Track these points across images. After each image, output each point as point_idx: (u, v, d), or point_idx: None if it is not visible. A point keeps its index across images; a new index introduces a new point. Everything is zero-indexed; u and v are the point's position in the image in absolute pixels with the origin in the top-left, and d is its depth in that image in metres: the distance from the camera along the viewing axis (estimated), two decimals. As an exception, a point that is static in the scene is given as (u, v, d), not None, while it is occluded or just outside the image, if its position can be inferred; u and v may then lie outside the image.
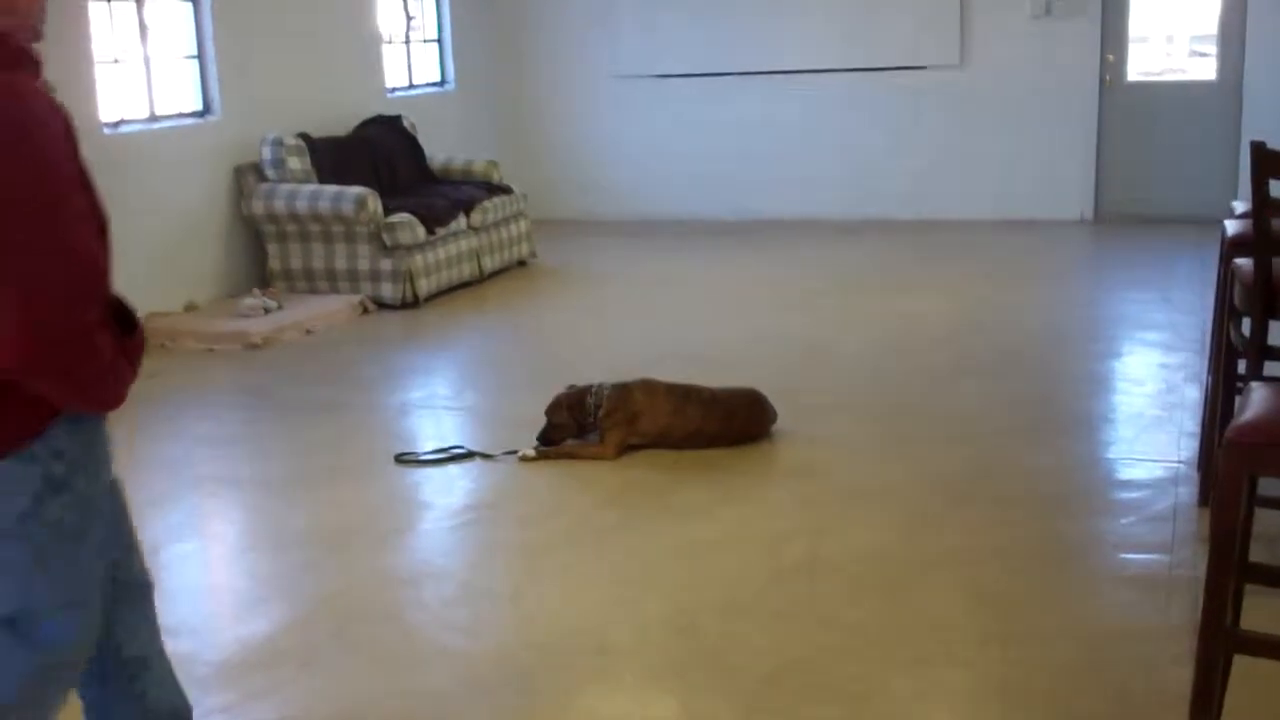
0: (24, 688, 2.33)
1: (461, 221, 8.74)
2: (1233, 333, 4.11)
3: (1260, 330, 3.86)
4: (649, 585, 4.09)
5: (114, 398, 2.45)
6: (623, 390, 5.32)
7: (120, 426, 6.08)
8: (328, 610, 4.00)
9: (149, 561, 4.39)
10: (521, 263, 9.53)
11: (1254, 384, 2.95)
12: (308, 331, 7.63)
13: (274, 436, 5.83)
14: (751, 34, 11.02)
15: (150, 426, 5.96)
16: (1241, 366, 4.09)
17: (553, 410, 5.35)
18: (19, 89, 2.27)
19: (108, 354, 2.33)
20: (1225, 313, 4.25)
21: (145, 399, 6.40)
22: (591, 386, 5.38)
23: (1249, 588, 3.13)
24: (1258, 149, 3.66)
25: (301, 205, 8.16)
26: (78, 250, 2.29)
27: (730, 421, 5.33)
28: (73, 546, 2.33)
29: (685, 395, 5.31)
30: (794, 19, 10.90)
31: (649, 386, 5.34)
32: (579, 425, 5.34)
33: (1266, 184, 3.67)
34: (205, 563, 4.56)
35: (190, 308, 7.94)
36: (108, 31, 7.56)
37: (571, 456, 5.27)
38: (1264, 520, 4.00)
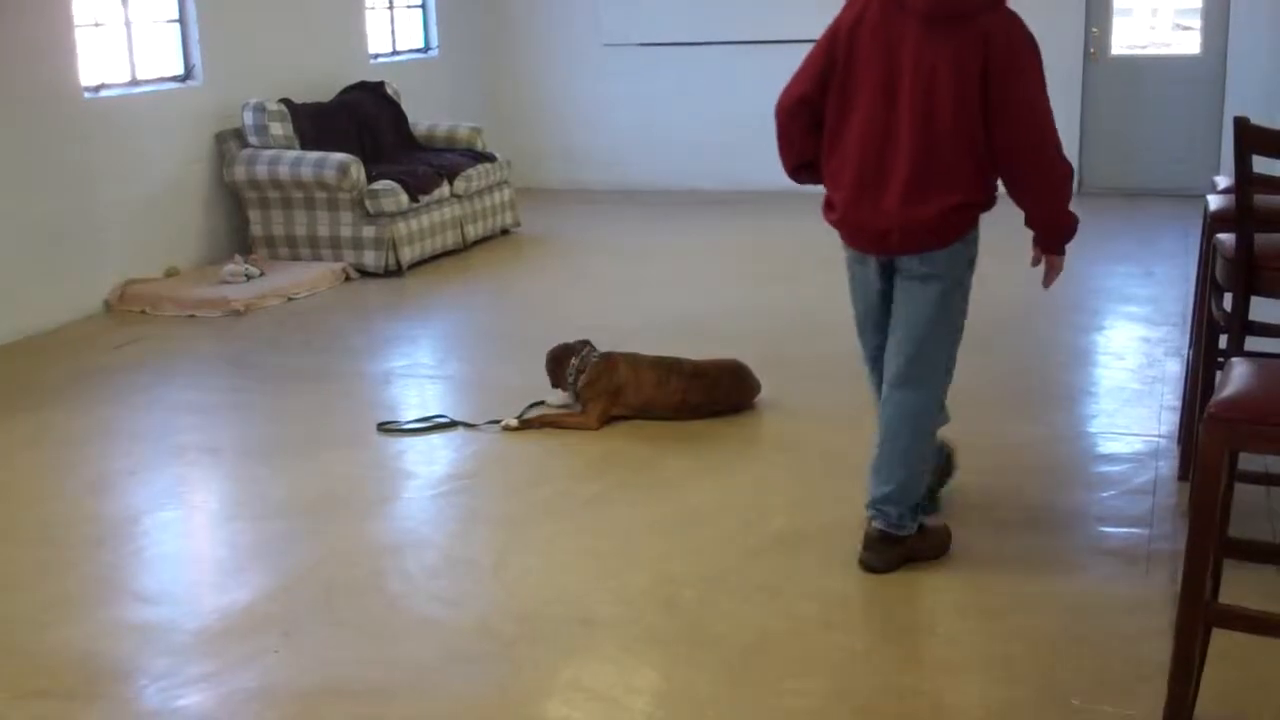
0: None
1: (445, 189, 8.71)
2: (1214, 307, 4.12)
3: (1242, 305, 3.87)
4: (631, 556, 4.10)
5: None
6: (607, 361, 5.32)
7: (100, 392, 6.10)
8: (309, 579, 4.00)
9: (128, 530, 4.40)
10: (505, 231, 9.51)
11: (1235, 359, 2.96)
12: (290, 299, 7.60)
13: (256, 404, 5.82)
14: (739, 2, 10.97)
15: (131, 394, 5.94)
16: (1223, 341, 4.10)
17: (547, 360, 5.44)
18: None
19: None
20: (1207, 287, 4.26)
21: (125, 366, 6.38)
22: (579, 349, 5.38)
23: (1228, 562, 3.15)
24: (1241, 124, 3.66)
25: (284, 171, 8.11)
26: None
27: (714, 393, 5.33)
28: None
29: (669, 368, 5.31)
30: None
31: (633, 359, 5.34)
32: (555, 381, 5.37)
33: (1249, 158, 3.67)
34: (187, 531, 4.55)
35: (171, 273, 7.90)
36: (88, -5, 7.51)
37: (555, 426, 5.27)
38: (1243, 495, 4.02)
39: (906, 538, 3.92)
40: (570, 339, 5.57)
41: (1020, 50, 3.62)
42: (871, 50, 3.70)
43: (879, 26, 3.69)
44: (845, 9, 3.82)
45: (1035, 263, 4.05)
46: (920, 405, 3.87)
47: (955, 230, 3.71)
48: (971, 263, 3.84)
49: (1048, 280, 4.08)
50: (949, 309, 3.81)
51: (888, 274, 3.83)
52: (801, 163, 3.93)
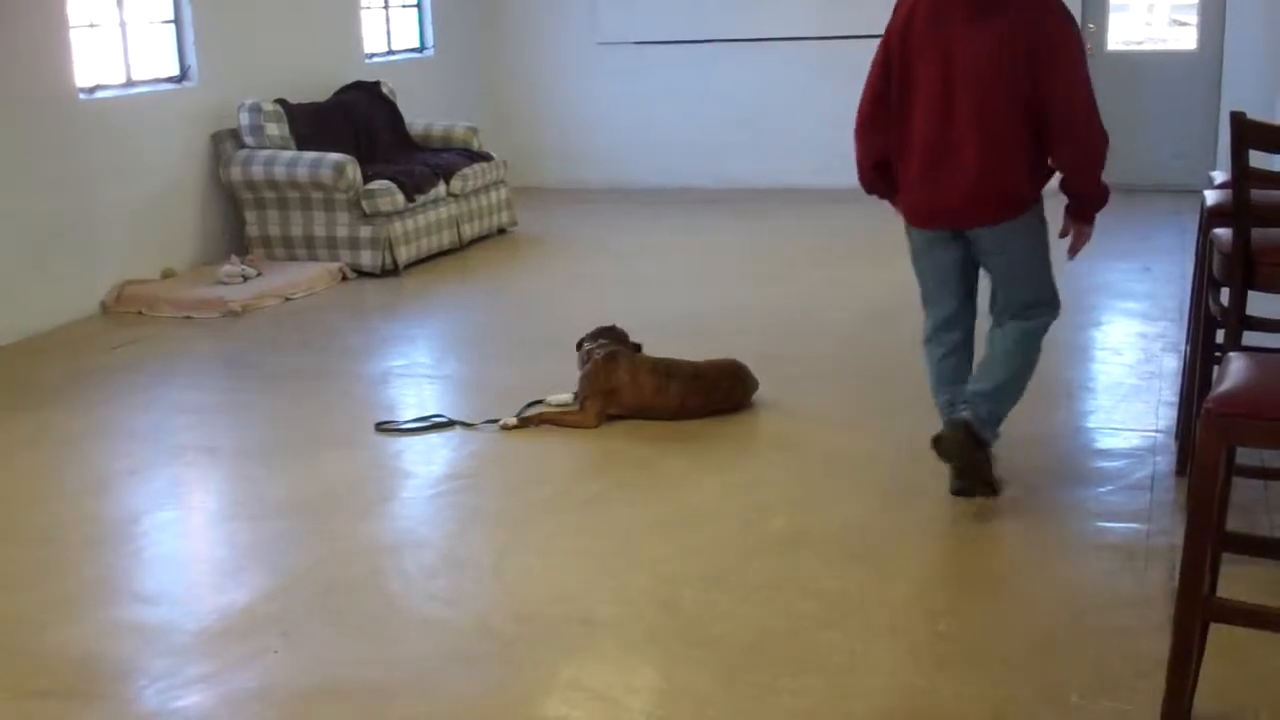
0: None
1: (441, 189, 8.71)
2: (1212, 303, 4.12)
3: (1239, 300, 3.87)
4: (630, 556, 4.10)
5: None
6: (609, 361, 5.32)
7: (97, 393, 6.09)
8: (308, 579, 3.99)
9: (127, 530, 4.40)
10: (502, 230, 9.51)
11: (1232, 354, 2.96)
12: (287, 299, 7.60)
13: (253, 405, 5.82)
14: (734, 1, 10.97)
15: (129, 395, 5.94)
16: (1220, 336, 4.10)
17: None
18: None
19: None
20: (1204, 282, 4.26)
21: (123, 367, 6.37)
22: (600, 337, 5.44)
23: (1226, 556, 3.15)
24: (1238, 119, 3.66)
25: (279, 172, 8.11)
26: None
27: (712, 395, 5.34)
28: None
29: (668, 373, 5.31)
30: (775, -14, 10.87)
31: (634, 363, 5.33)
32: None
33: (1246, 153, 3.68)
34: (185, 532, 4.55)
35: (168, 275, 7.89)
36: (84, -4, 7.50)
37: (553, 424, 5.28)
38: (1241, 489, 4.02)
39: (985, 446, 4.24)
40: (565, 340, 5.57)
41: (1061, 30, 3.98)
42: (923, 47, 4.07)
43: (928, 24, 4.06)
44: (894, 14, 4.22)
45: (1064, 234, 4.30)
46: (1030, 332, 4.28)
47: (1024, 202, 4.13)
48: (1042, 219, 4.23)
49: (1075, 249, 4.32)
50: (1038, 247, 4.22)
51: (962, 243, 4.23)
52: (880, 160, 4.28)
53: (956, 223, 4.18)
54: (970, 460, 4.22)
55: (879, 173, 4.32)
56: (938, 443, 4.24)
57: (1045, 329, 4.34)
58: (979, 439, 4.22)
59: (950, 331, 4.39)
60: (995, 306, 4.36)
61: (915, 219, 4.29)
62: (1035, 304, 4.29)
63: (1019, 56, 3.94)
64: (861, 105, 4.30)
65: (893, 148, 4.24)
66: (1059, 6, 4.02)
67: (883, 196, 4.42)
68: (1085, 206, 4.24)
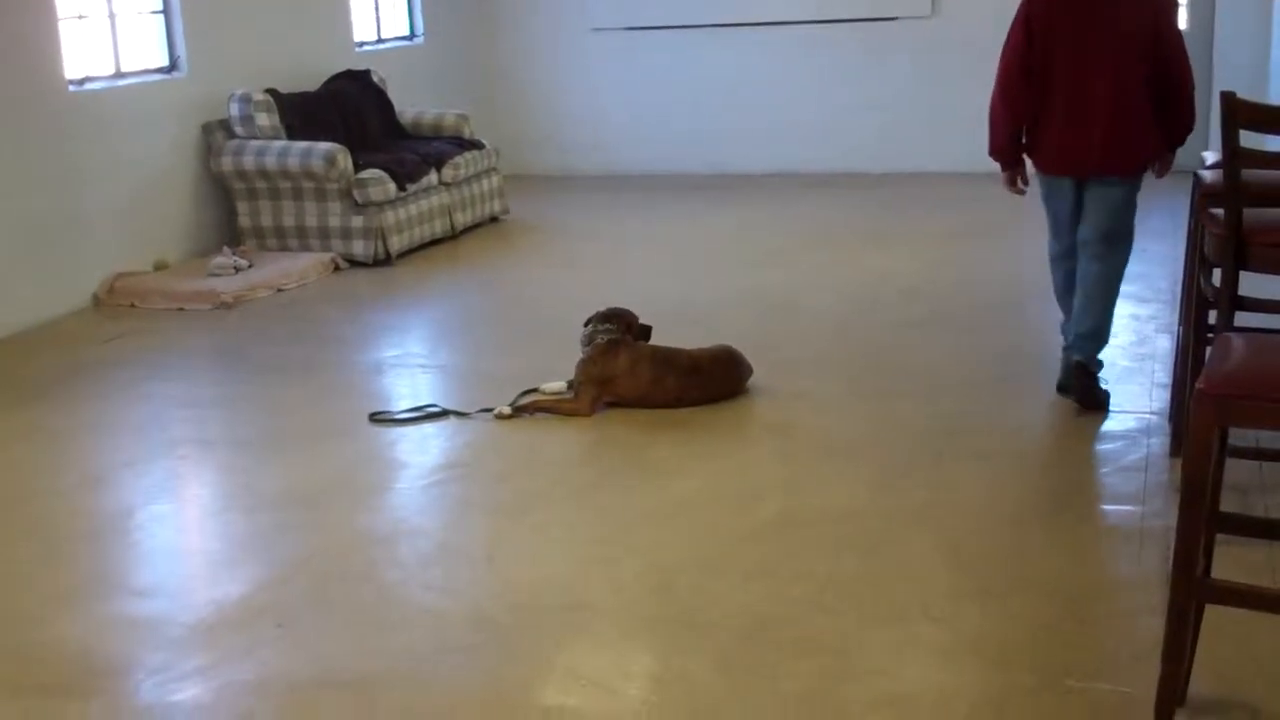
0: None
1: (433, 177, 8.69)
2: (1204, 283, 4.12)
3: (1231, 280, 3.87)
4: (625, 543, 4.10)
5: None
6: (610, 349, 5.30)
7: (90, 388, 6.08)
8: (303, 570, 4.00)
9: (122, 524, 4.39)
10: (494, 219, 9.49)
11: (1224, 335, 2.96)
12: (279, 290, 7.58)
13: (247, 396, 5.81)
14: (724, -16, 10.96)
15: (121, 388, 5.93)
16: (1213, 317, 4.10)
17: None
18: None
19: None
20: (1196, 263, 4.27)
21: (115, 360, 6.36)
22: (605, 321, 5.41)
23: (1220, 538, 3.15)
24: (1228, 98, 3.66)
25: (270, 162, 8.09)
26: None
27: (709, 387, 5.33)
28: None
29: (666, 364, 5.30)
30: (766, -31, 10.84)
31: (635, 352, 5.31)
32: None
33: (1237, 134, 3.67)
34: (179, 525, 4.55)
35: (160, 266, 7.87)
36: (71, -13, 7.47)
37: (548, 412, 5.27)
38: (1235, 470, 4.03)
39: (1096, 374, 5.13)
40: (558, 328, 5.57)
41: (1170, 4, 5.03)
42: (1064, 22, 4.88)
43: (1070, 4, 4.89)
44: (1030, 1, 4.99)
45: (1160, 173, 5.11)
46: (1115, 270, 5.06)
47: (1145, 159, 4.99)
48: (1142, 174, 5.07)
49: (1164, 171, 5.12)
50: (1132, 202, 5.06)
51: (1079, 189, 5.03)
52: (1018, 128, 5.05)
53: (1085, 171, 4.98)
54: (1091, 395, 5.05)
55: (1013, 143, 5.07)
56: (1065, 390, 5.18)
57: (1121, 273, 5.10)
58: (1091, 372, 5.09)
59: (1069, 259, 5.19)
60: (1086, 239, 5.05)
61: (1053, 168, 5.05)
62: (1115, 244, 5.04)
63: (1146, 25, 4.81)
64: (1005, 79, 4.99)
65: (1031, 112, 5.00)
66: None
67: (1007, 161, 5.12)
68: (1179, 141, 5.01)
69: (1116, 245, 5.05)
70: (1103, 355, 5.19)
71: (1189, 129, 5.00)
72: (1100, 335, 5.10)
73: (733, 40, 11.06)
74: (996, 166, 5.16)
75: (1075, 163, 4.97)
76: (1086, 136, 4.89)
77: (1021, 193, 5.22)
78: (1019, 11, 5.01)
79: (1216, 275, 3.96)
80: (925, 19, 10.59)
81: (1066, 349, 5.19)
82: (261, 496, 4.62)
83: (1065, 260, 5.22)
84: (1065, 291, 5.24)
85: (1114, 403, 5.18)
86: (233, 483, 4.89)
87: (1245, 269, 3.87)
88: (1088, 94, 4.86)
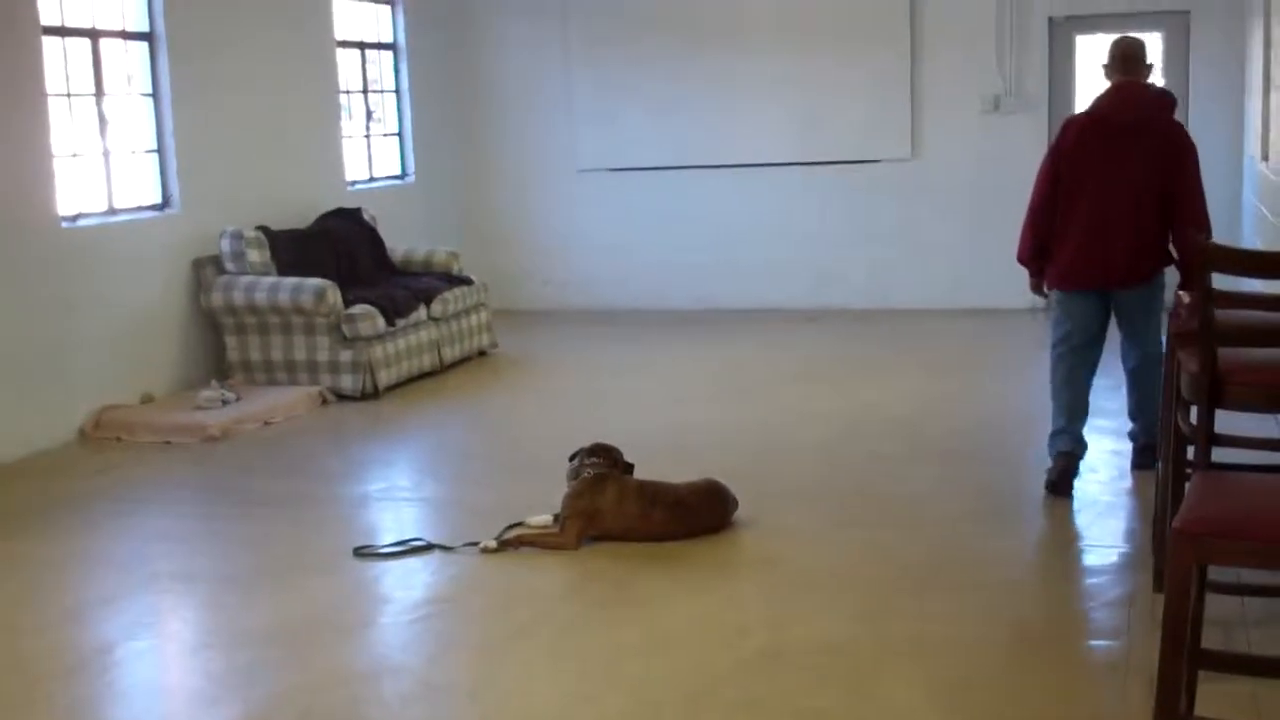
0: None
1: (422, 312, 8.77)
2: (1181, 421, 4.17)
3: (1207, 419, 3.91)
4: (611, 679, 4.08)
5: None
6: (597, 482, 5.32)
7: (74, 520, 6.06)
8: (285, 708, 3.96)
9: (101, 660, 4.36)
10: (482, 353, 9.56)
11: (1200, 473, 3.00)
12: (266, 423, 7.60)
13: (231, 531, 5.79)
14: (709, 128, 11.18)
15: (105, 522, 5.91)
16: (1191, 454, 4.14)
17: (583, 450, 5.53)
18: None
19: None
20: (1174, 401, 4.32)
21: (99, 494, 6.35)
22: (592, 456, 5.43)
23: (1204, 674, 3.15)
24: (1200, 245, 3.74)
25: (261, 297, 8.17)
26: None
27: (694, 521, 5.34)
28: None
29: (653, 499, 5.31)
30: (750, 114, 11.07)
31: (622, 486, 5.33)
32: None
33: (1210, 276, 3.74)
34: (160, 661, 4.51)
35: (147, 400, 7.90)
36: (67, 125, 7.59)
37: (533, 546, 5.27)
38: (1218, 605, 4.04)
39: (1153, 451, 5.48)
40: (546, 462, 5.59)
41: (1188, 148, 5.62)
42: (1090, 158, 5.63)
43: (1099, 142, 5.63)
44: (1061, 137, 5.76)
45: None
46: (1158, 367, 5.49)
47: (1160, 268, 5.75)
48: (1163, 286, 5.84)
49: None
50: (1160, 307, 5.86)
51: (1105, 300, 5.78)
52: (1041, 245, 5.81)
53: (1107, 283, 5.73)
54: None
55: (1038, 255, 5.84)
56: (1141, 468, 5.94)
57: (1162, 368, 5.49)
58: (1154, 449, 5.40)
59: (1082, 360, 5.88)
60: (1127, 351, 5.91)
61: (1067, 283, 5.81)
62: (1154, 345, 5.80)
63: (1163, 165, 5.56)
64: (1036, 203, 5.81)
65: (1053, 232, 5.76)
66: (1183, 129, 5.72)
67: (1033, 269, 5.93)
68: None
69: (1156, 348, 5.76)
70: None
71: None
72: (1155, 420, 5.56)
73: (718, 180, 11.26)
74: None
75: (1097, 276, 5.72)
76: (1107, 254, 5.65)
77: (1045, 296, 6.09)
78: (1051, 149, 5.84)
79: (1194, 413, 4.00)
80: (906, 161, 10.81)
81: (1136, 433, 6.02)
82: (243, 633, 4.59)
83: (1071, 359, 5.86)
84: (1065, 381, 5.86)
85: (1097, 537, 5.21)
86: (214, 619, 4.86)
87: (1221, 407, 3.92)
88: (1110, 217, 5.61)
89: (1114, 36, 6.03)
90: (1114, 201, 5.59)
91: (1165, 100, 5.77)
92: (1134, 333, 5.85)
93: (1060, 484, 5.67)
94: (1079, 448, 5.85)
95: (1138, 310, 5.80)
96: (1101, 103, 5.73)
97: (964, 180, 10.73)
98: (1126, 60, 5.72)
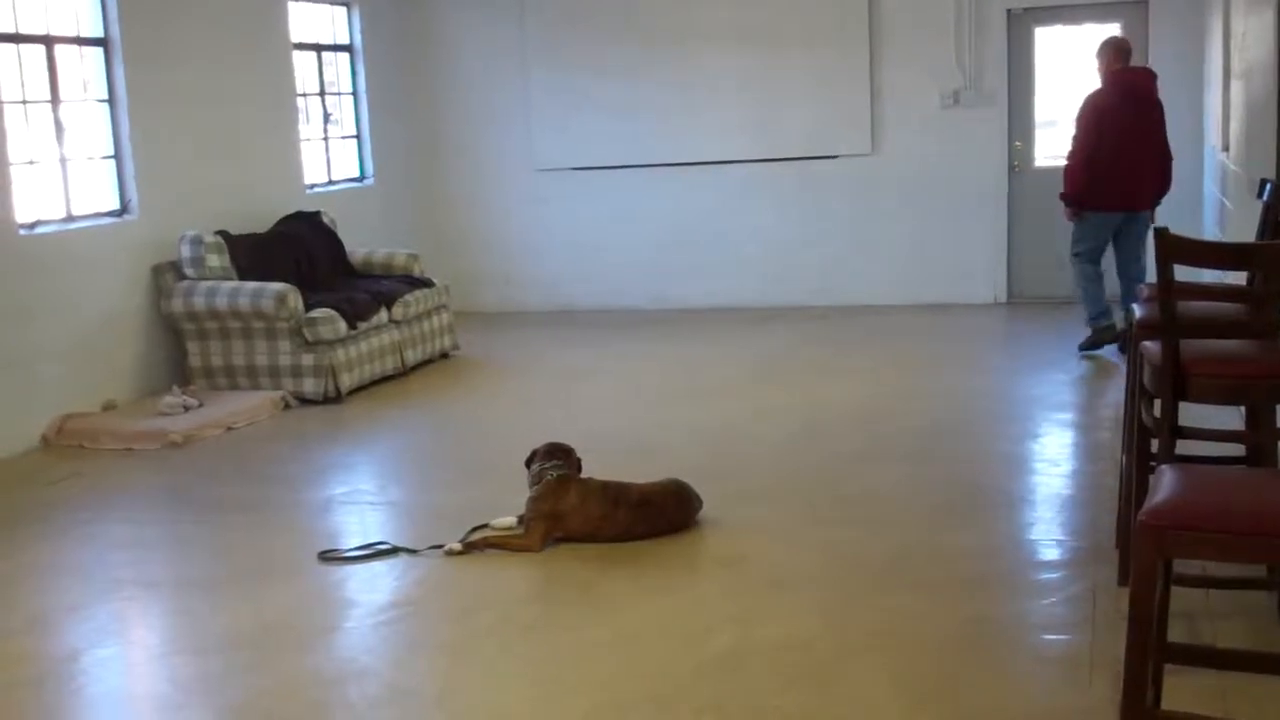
0: None
1: (383, 315, 8.73)
2: (1144, 413, 4.20)
3: (1170, 411, 3.94)
4: (576, 680, 4.07)
5: None
6: (560, 484, 5.31)
7: (36, 529, 6.00)
8: (251, 714, 3.93)
9: (66, 668, 4.32)
10: (444, 355, 9.52)
11: (1164, 466, 3.02)
12: (229, 429, 7.56)
13: (195, 537, 5.76)
14: (667, 127, 11.18)
15: (67, 530, 5.86)
16: (1155, 446, 4.16)
17: (534, 452, 5.52)
18: None
19: None
20: (1137, 394, 4.34)
21: (62, 502, 6.30)
22: (551, 458, 5.42)
23: (1170, 667, 3.17)
24: (1161, 234, 3.76)
25: (221, 302, 8.12)
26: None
27: (658, 521, 5.33)
28: None
29: (616, 499, 5.31)
30: (709, 112, 11.08)
31: (585, 488, 5.33)
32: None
33: (1171, 268, 3.77)
34: (125, 668, 4.47)
35: (109, 407, 7.84)
36: (23, 132, 7.52)
37: (498, 548, 5.26)
38: (1184, 597, 4.07)
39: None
40: (510, 463, 5.57)
41: (1161, 108, 8.38)
42: (1125, 119, 8.24)
43: (1120, 103, 8.25)
44: (1098, 96, 8.36)
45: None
46: (1142, 274, 8.24)
47: (1158, 199, 8.48)
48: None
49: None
50: (1145, 233, 8.18)
51: (1117, 222, 8.38)
52: (1091, 180, 8.27)
53: (1131, 205, 8.35)
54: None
55: (1086, 187, 8.29)
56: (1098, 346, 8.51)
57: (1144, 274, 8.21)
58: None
59: (1095, 264, 8.51)
60: (1124, 267, 8.51)
61: (1111, 205, 8.33)
62: (1139, 258, 8.42)
63: (1161, 122, 8.33)
64: (1084, 150, 8.28)
65: (1096, 160, 8.25)
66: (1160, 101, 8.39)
67: (1078, 204, 8.39)
68: (1166, 191, 8.51)
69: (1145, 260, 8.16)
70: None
71: (1169, 187, 8.46)
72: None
73: (677, 179, 11.27)
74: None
75: (1125, 198, 8.31)
76: (1132, 182, 8.27)
77: (1079, 219, 8.42)
78: (1089, 108, 8.33)
79: (1157, 406, 4.03)
80: (866, 156, 10.85)
81: (1127, 320, 7.47)
82: (208, 638, 4.56)
83: (1093, 265, 8.45)
84: (1093, 279, 8.42)
85: (1061, 532, 5.24)
86: (179, 625, 4.82)
87: (1184, 400, 3.94)
88: (1134, 155, 8.23)
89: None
90: (1140, 149, 8.22)
91: (1155, 77, 8.46)
92: (1129, 247, 8.42)
93: (1125, 342, 7.44)
94: (1114, 320, 8.38)
95: (1139, 231, 8.35)
96: (1123, 80, 8.28)
97: (924, 175, 10.77)
98: (1125, 53, 8.38)
